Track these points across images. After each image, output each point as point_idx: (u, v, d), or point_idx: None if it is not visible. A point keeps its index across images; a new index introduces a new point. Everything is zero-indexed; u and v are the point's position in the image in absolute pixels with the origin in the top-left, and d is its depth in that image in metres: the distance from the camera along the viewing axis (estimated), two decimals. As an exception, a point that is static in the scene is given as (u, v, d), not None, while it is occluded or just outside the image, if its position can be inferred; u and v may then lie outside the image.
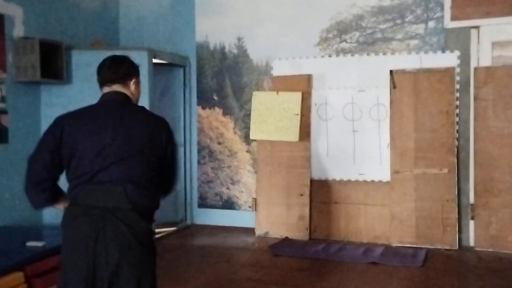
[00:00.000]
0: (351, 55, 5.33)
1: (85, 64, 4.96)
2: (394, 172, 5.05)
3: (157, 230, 2.38)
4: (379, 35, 5.27)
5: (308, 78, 5.40)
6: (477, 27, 4.90)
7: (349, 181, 5.28)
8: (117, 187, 2.10)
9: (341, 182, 5.31)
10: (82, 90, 4.93)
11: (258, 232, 5.48)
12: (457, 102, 4.95)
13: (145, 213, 2.18)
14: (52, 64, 4.77)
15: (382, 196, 5.15)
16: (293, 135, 5.29)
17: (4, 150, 4.58)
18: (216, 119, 5.93)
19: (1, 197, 4.54)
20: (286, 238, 5.27)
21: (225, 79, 5.90)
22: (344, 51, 5.37)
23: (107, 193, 2.10)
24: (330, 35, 5.42)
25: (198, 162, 5.98)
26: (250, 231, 5.52)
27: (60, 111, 5.21)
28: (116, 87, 2.27)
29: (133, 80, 2.32)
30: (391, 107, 5.10)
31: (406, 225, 4.98)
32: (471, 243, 4.89)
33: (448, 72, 4.95)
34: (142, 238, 2.15)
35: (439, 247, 4.84)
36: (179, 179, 2.47)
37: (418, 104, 5.00)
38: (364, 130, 5.24)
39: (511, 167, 4.73)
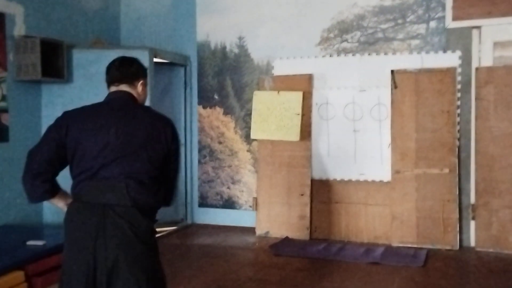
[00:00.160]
0: (352, 55, 5.33)
1: (86, 63, 4.96)
2: (395, 172, 5.04)
3: (157, 229, 2.32)
4: (380, 35, 5.26)
5: (309, 78, 5.40)
6: (478, 27, 4.89)
7: (350, 181, 5.28)
8: (119, 183, 2.12)
9: (341, 182, 5.31)
10: (82, 89, 4.93)
11: (258, 231, 5.47)
12: (458, 102, 4.95)
13: (146, 210, 2.18)
14: (53, 63, 4.76)
15: (383, 196, 5.14)
16: (294, 135, 5.29)
17: (5, 149, 4.58)
18: (217, 119, 5.93)
19: (1, 196, 4.54)
20: (287, 237, 5.27)
21: (226, 78, 5.89)
22: (345, 51, 5.36)
23: (109, 190, 2.12)
24: (331, 35, 5.42)
25: (199, 161, 5.98)
26: (250, 230, 5.52)
27: (60, 110, 5.19)
28: (123, 87, 2.30)
29: (141, 82, 2.35)
30: (392, 107, 5.09)
31: (406, 225, 4.98)
32: (472, 243, 4.88)
33: (449, 72, 4.95)
34: (142, 236, 2.15)
35: (439, 247, 4.83)
36: (178, 181, 2.45)
37: (419, 104, 5.00)
38: (365, 130, 5.23)
39: (512, 167, 4.73)
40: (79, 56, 5.00)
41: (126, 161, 2.14)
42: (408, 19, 5.16)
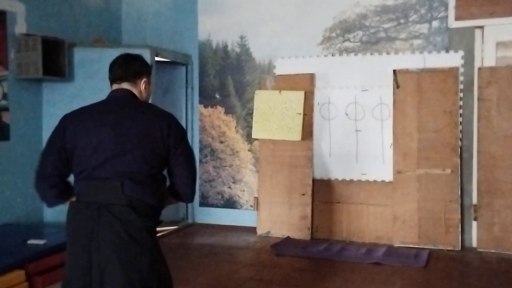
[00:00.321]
0: (354, 55, 5.31)
1: (87, 61, 4.95)
2: (397, 172, 5.03)
3: (158, 229, 2.28)
4: (382, 34, 5.24)
5: (311, 77, 5.38)
6: (481, 27, 4.88)
7: (351, 181, 5.26)
8: (114, 182, 2.10)
9: (343, 181, 5.29)
10: (84, 88, 4.91)
11: (259, 231, 5.46)
12: (461, 102, 4.93)
13: (144, 210, 2.13)
14: (54, 61, 4.75)
15: (384, 196, 5.13)
16: (296, 135, 5.27)
17: (6, 147, 4.57)
18: (218, 118, 5.92)
19: (2, 194, 4.52)
20: (288, 237, 5.25)
21: (228, 77, 5.88)
22: (347, 51, 5.35)
23: (105, 189, 2.10)
24: (333, 34, 5.40)
25: (200, 160, 5.96)
26: (251, 230, 5.51)
27: (62, 108, 5.20)
28: (125, 85, 2.27)
29: (144, 80, 2.31)
30: (394, 107, 5.08)
31: (408, 225, 4.96)
32: (474, 244, 4.87)
33: (452, 72, 4.93)
34: (137, 237, 2.10)
35: (441, 247, 4.82)
36: (194, 175, 2.34)
37: (422, 104, 4.98)
38: (367, 130, 5.22)
39: (514, 168, 4.71)
40: (80, 55, 4.99)
41: (121, 160, 2.11)
42: (410, 19, 5.14)
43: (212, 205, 5.94)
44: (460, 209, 4.84)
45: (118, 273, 2.07)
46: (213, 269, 4.23)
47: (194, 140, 5.98)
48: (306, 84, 5.38)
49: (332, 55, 5.39)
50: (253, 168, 5.75)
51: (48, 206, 2.32)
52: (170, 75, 5.98)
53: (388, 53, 5.20)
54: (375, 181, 5.18)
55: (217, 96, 5.92)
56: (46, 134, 4.93)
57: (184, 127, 5.88)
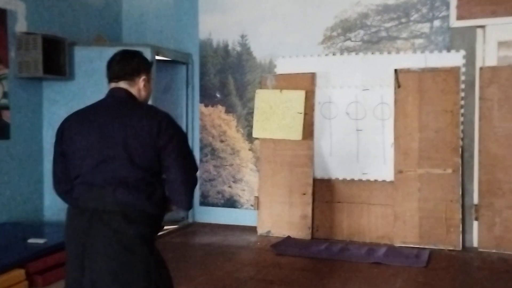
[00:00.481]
0: (356, 54, 5.30)
1: (87, 60, 4.94)
2: (398, 172, 5.02)
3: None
4: (384, 33, 5.23)
5: (312, 77, 5.37)
6: (483, 27, 4.86)
7: (352, 181, 5.25)
8: (106, 188, 2.01)
9: (344, 181, 5.28)
10: (84, 87, 4.91)
11: (260, 231, 5.45)
12: (462, 102, 4.92)
13: (139, 217, 2.02)
14: (55, 60, 4.74)
15: (385, 196, 5.12)
16: (296, 134, 5.26)
17: (6, 146, 4.56)
18: (218, 117, 5.91)
19: (2, 193, 4.52)
20: (288, 237, 5.24)
21: (228, 76, 5.87)
22: (349, 50, 5.34)
23: (97, 195, 2.02)
24: (335, 33, 5.39)
25: (200, 160, 5.95)
26: (252, 229, 5.50)
27: (62, 107, 5.20)
28: (122, 84, 2.17)
29: (142, 77, 2.20)
30: (395, 107, 5.06)
31: (409, 225, 4.95)
32: (475, 244, 4.86)
33: (453, 71, 4.92)
34: (130, 246, 1.99)
35: (442, 247, 4.81)
36: (193, 180, 2.15)
37: (423, 104, 4.97)
38: (368, 129, 5.20)
39: (516, 168, 4.71)
40: (81, 53, 4.98)
41: (111, 165, 2.02)
42: (412, 18, 5.13)
43: (213, 205, 5.93)
44: (461, 209, 4.83)
45: (109, 284, 1.99)
46: (214, 269, 4.22)
47: (195, 139, 5.98)
48: (307, 84, 5.37)
49: (333, 54, 5.38)
50: (253, 167, 5.74)
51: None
52: (171, 74, 5.97)
53: (389, 52, 5.19)
54: (376, 180, 5.17)
55: (218, 95, 5.91)
56: (47, 133, 4.95)
57: (185, 126, 5.94)
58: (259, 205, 5.52)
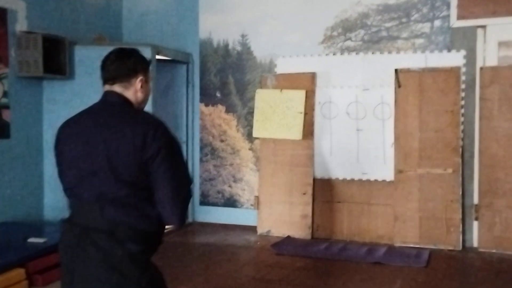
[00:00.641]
0: (356, 54, 5.30)
1: (87, 60, 4.94)
2: (398, 171, 5.02)
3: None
4: (384, 33, 5.23)
5: (312, 76, 5.37)
6: (483, 27, 4.86)
7: (352, 180, 5.25)
8: (94, 204, 1.84)
9: (344, 181, 5.28)
10: (84, 86, 4.90)
11: (260, 230, 5.45)
12: (462, 102, 4.92)
13: (131, 235, 1.85)
14: (55, 59, 4.74)
15: (385, 196, 5.12)
16: (297, 134, 5.26)
17: (6, 145, 4.56)
18: (219, 117, 5.90)
19: (2, 193, 4.52)
20: (288, 237, 5.24)
21: (228, 76, 5.86)
22: (349, 50, 5.33)
23: (85, 211, 1.87)
24: (335, 33, 5.39)
25: (200, 159, 5.95)
26: (252, 229, 5.50)
27: (62, 107, 5.19)
28: (117, 87, 1.97)
29: (140, 78, 1.99)
30: (395, 106, 5.06)
31: (409, 225, 4.95)
32: (475, 244, 4.86)
33: (453, 71, 4.91)
34: (118, 266, 1.82)
35: (442, 247, 4.81)
36: (184, 194, 1.95)
37: (423, 104, 4.97)
38: (368, 129, 5.20)
39: (516, 168, 4.70)
40: (81, 53, 4.98)
41: (95, 179, 1.85)
42: (412, 18, 5.12)
43: (213, 204, 5.93)
44: (461, 209, 4.83)
45: None
46: (214, 268, 4.22)
47: (195, 139, 5.98)
48: (307, 83, 5.36)
49: (334, 54, 5.38)
50: (253, 167, 5.74)
51: None
52: (171, 74, 5.96)
53: (389, 52, 5.18)
54: (376, 180, 5.17)
55: (218, 95, 5.91)
56: (47, 132, 4.95)
57: (185, 125, 5.94)
58: (259, 205, 5.52)
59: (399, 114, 5.04)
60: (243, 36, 5.79)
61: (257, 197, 5.59)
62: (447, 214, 4.84)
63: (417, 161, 4.95)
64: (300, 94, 5.29)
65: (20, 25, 4.65)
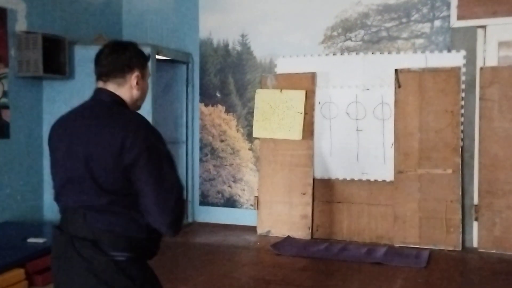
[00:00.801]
0: (356, 54, 5.29)
1: (87, 59, 4.87)
2: (398, 172, 5.01)
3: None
4: (384, 33, 5.23)
5: (312, 76, 5.37)
6: (483, 27, 4.86)
7: (352, 181, 5.25)
8: (78, 211, 1.73)
9: (344, 181, 5.28)
10: (84, 86, 4.89)
11: (260, 230, 5.45)
12: (462, 102, 4.92)
13: (114, 243, 1.72)
14: (55, 59, 4.74)
15: (385, 196, 5.11)
16: (296, 134, 5.26)
17: (6, 145, 4.56)
18: (218, 117, 5.90)
19: (2, 192, 4.51)
20: (288, 237, 5.24)
21: (228, 76, 5.86)
22: (349, 50, 5.33)
23: (69, 218, 1.76)
24: (335, 33, 5.38)
25: (200, 159, 5.95)
26: (252, 229, 5.49)
27: (62, 106, 5.19)
28: (110, 85, 1.86)
29: (135, 74, 1.85)
30: (395, 107, 5.06)
31: (409, 225, 4.95)
32: (475, 244, 4.86)
33: (453, 71, 4.91)
34: (104, 276, 1.70)
35: (442, 248, 4.81)
36: (175, 200, 1.73)
37: (423, 104, 4.96)
38: (368, 129, 5.20)
39: (516, 168, 4.70)
40: (81, 53, 4.98)
41: (76, 185, 1.74)
42: (412, 18, 5.12)
43: (212, 204, 5.92)
44: (461, 209, 4.83)
45: None
46: (213, 268, 4.22)
47: (195, 139, 5.97)
48: (307, 83, 5.36)
49: (334, 54, 5.38)
50: (253, 167, 5.74)
51: None
52: (171, 74, 5.96)
53: (389, 52, 5.18)
54: (376, 180, 5.17)
55: (218, 95, 5.91)
56: (47, 132, 4.92)
57: (184, 125, 5.94)
58: (259, 205, 5.52)
59: (399, 114, 5.04)
60: (243, 36, 5.79)
61: (257, 197, 5.58)
62: (447, 215, 4.84)
63: (417, 161, 4.95)
64: (300, 94, 5.29)
65: (20, 25, 4.65)
